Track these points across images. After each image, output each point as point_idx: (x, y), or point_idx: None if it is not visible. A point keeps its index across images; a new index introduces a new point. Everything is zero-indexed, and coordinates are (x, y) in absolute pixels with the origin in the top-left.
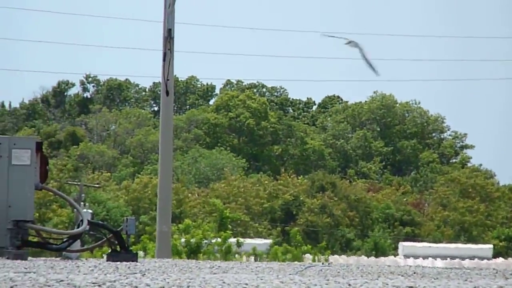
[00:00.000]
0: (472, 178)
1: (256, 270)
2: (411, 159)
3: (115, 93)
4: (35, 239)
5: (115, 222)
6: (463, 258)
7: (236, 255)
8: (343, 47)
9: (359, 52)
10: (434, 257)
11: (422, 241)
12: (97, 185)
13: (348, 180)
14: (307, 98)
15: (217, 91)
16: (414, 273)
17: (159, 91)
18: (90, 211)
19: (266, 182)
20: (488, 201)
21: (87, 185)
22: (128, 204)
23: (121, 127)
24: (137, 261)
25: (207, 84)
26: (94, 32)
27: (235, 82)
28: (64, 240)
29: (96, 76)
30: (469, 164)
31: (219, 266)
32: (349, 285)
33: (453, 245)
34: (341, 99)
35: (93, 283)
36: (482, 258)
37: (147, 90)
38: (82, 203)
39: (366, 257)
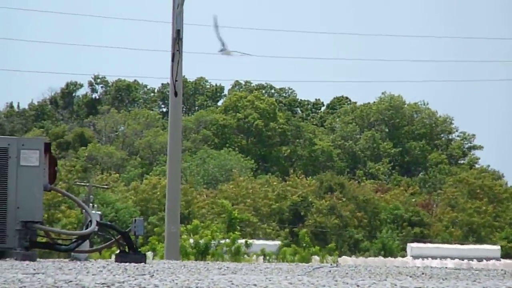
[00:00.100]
0: (480, 179)
1: (265, 271)
2: (420, 160)
3: (124, 94)
4: (44, 240)
5: (124, 223)
6: (471, 259)
7: (245, 256)
8: (349, 48)
9: (231, 54)
10: (442, 258)
11: (430, 242)
12: (106, 186)
13: (356, 181)
14: (316, 99)
15: (225, 92)
16: (423, 274)
17: (168, 92)
18: (98, 212)
19: (274, 183)
20: (496, 202)
21: (95, 186)
22: (136, 205)
23: (129, 128)
24: (145, 262)
25: (215, 85)
26: (103, 33)
27: (243, 83)
28: (73, 241)
29: (105, 77)
30: (477, 165)
31: (227, 267)
32: (358, 286)
33: (461, 246)
34: (350, 100)
35: (102, 283)
36: (490, 259)
37: (155, 91)
38: (90, 204)
39: (374, 258)
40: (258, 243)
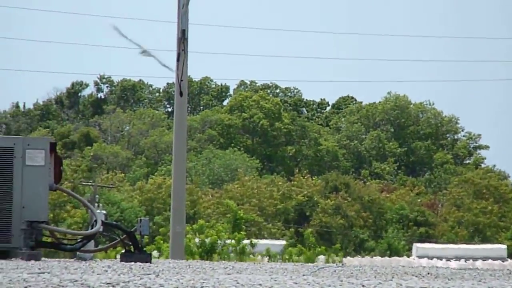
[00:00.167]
0: (486, 179)
1: (270, 271)
2: (425, 160)
3: (129, 93)
4: (49, 240)
5: (129, 222)
6: (477, 259)
7: (251, 256)
8: (352, 48)
9: (154, 58)
10: (448, 258)
11: (436, 242)
12: (111, 186)
13: (362, 181)
14: (321, 99)
15: (231, 91)
16: (428, 273)
17: (173, 92)
18: (103, 212)
19: (279, 183)
20: (502, 202)
21: (101, 186)
22: (142, 204)
23: (135, 128)
24: (151, 262)
25: (221, 84)
26: (108, 32)
27: (248, 82)
28: (78, 240)
29: (110, 77)
30: (483, 165)
31: (233, 267)
32: (363, 286)
33: (467, 246)
34: (355, 100)
35: (107, 283)
36: (497, 259)
37: (161, 90)
38: (96, 204)
39: (380, 258)
40: (263, 243)
